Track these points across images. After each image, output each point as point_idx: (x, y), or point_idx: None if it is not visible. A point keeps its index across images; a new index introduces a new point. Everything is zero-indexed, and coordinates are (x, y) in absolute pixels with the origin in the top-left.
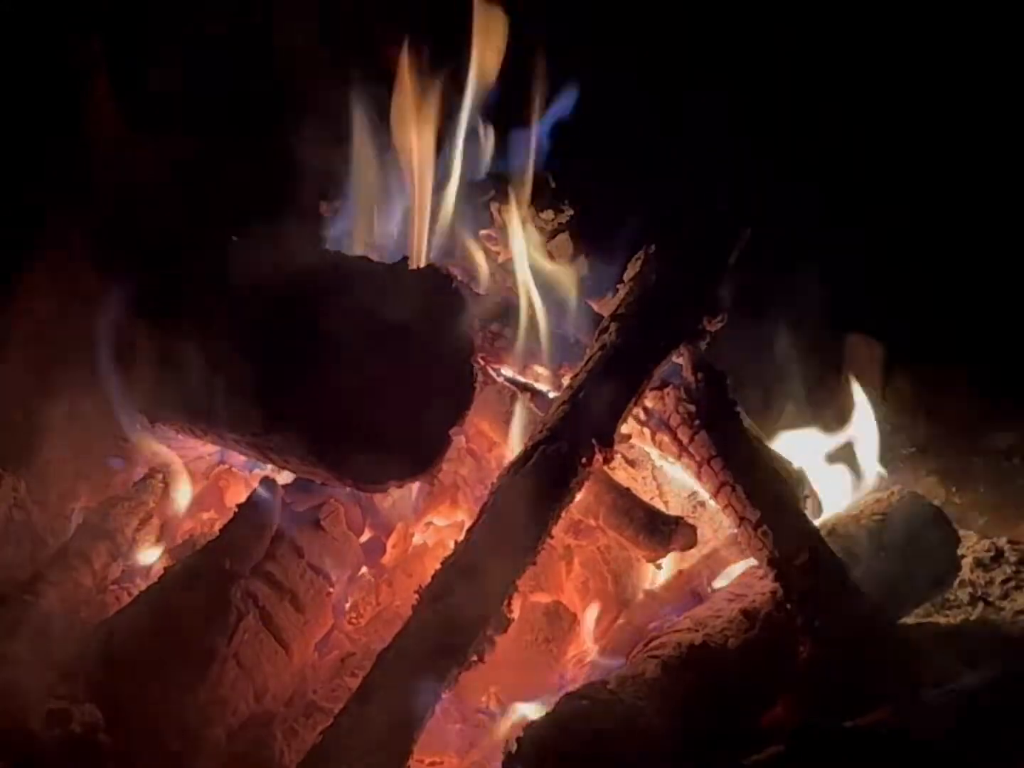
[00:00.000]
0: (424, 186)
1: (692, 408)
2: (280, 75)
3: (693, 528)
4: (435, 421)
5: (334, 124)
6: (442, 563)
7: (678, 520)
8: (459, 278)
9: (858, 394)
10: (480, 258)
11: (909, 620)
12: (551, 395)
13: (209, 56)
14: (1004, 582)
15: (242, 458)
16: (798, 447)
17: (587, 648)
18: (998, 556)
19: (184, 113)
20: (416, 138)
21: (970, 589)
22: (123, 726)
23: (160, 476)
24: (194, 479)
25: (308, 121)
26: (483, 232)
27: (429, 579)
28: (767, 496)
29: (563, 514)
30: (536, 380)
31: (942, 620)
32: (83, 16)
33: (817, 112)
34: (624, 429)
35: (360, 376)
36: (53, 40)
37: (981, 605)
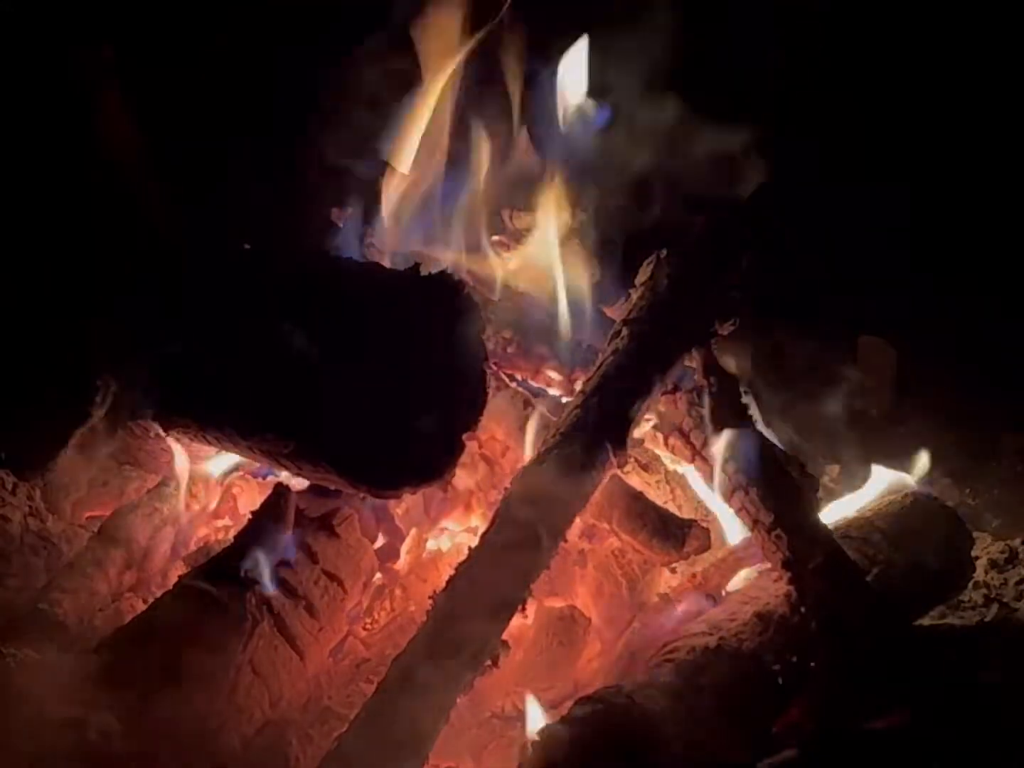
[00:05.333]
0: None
1: (704, 412)
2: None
3: (706, 531)
4: (448, 427)
5: (352, 129)
6: (456, 568)
7: (691, 523)
8: (471, 284)
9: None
10: (492, 264)
11: (924, 622)
12: (564, 400)
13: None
14: (1018, 583)
15: (256, 465)
16: None
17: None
18: (1012, 557)
19: (195, 117)
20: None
21: (984, 590)
22: (138, 734)
23: (174, 483)
24: (208, 486)
25: (325, 126)
26: (495, 237)
27: (443, 585)
28: (780, 499)
29: (576, 518)
30: (549, 385)
31: (957, 622)
32: (92, 23)
33: (822, 109)
34: (637, 433)
35: (372, 382)
36: (61, 50)
37: (996, 606)
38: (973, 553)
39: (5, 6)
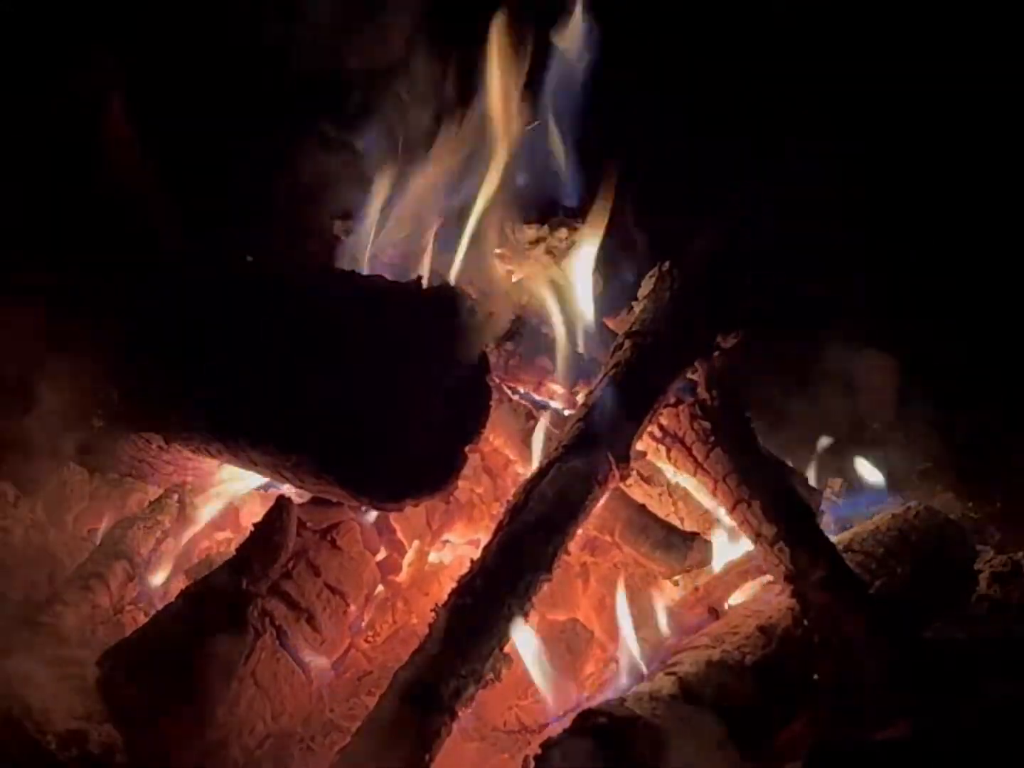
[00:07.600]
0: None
1: (707, 425)
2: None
3: (709, 544)
4: (450, 439)
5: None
6: (458, 581)
7: (694, 536)
8: (473, 296)
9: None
10: (494, 276)
11: (926, 635)
12: (566, 413)
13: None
14: (1021, 596)
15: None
16: None
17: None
18: (1015, 570)
19: (195, 127)
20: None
21: (987, 603)
22: (140, 747)
23: (176, 496)
24: (209, 498)
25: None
26: (497, 251)
27: (445, 597)
28: (783, 512)
29: (579, 531)
30: (551, 398)
31: (959, 635)
32: (95, 29)
33: (824, 120)
34: (639, 446)
35: (374, 394)
36: (65, 58)
37: (998, 619)
38: (976, 566)
39: (5, 6)
